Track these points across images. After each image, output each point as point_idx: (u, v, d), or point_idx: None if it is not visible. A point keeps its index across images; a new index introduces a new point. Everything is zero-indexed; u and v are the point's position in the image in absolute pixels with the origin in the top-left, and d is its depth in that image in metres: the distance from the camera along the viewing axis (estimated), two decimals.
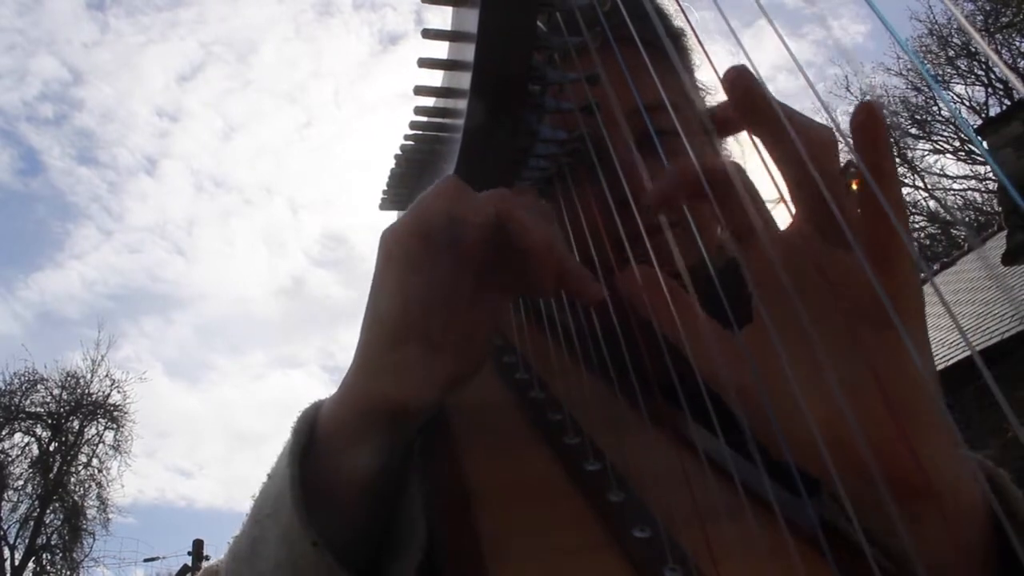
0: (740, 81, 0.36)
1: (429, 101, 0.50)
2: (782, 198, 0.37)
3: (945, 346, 7.82)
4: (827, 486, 0.40)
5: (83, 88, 30.68)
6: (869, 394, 0.36)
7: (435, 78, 0.49)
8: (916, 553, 0.32)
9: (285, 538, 0.41)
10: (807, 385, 0.36)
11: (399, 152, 0.60)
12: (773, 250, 0.38)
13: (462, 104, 0.44)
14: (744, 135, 0.39)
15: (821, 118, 0.38)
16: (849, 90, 19.07)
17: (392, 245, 0.42)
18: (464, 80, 0.43)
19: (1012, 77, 0.23)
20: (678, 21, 0.69)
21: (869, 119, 0.34)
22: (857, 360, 0.36)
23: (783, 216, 0.39)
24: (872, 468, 0.32)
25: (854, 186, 0.36)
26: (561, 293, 0.44)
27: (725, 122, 0.39)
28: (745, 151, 0.71)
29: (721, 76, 0.36)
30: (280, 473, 0.44)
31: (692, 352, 0.40)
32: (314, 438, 0.45)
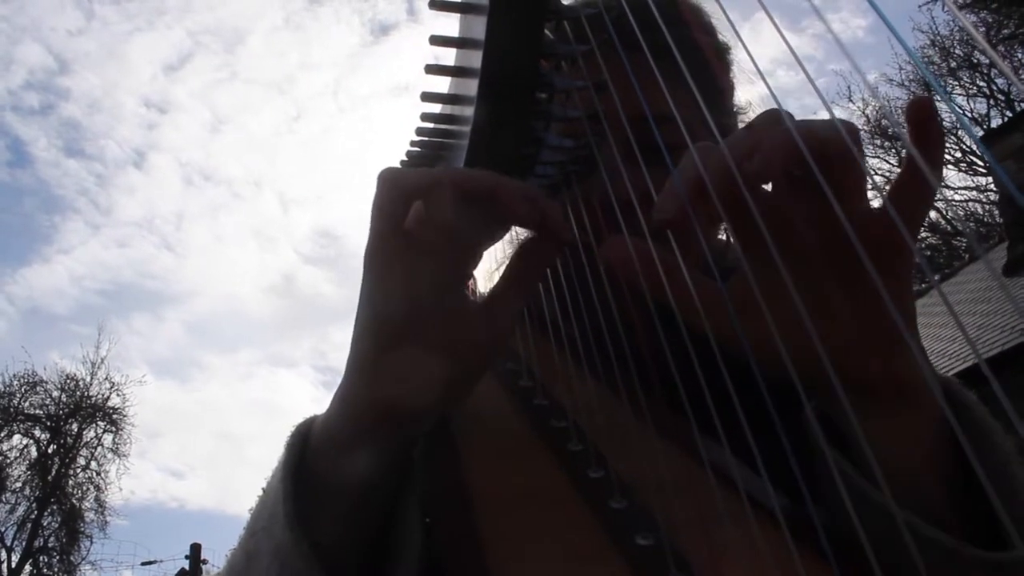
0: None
1: (435, 107, 0.50)
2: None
3: (946, 357, 7.80)
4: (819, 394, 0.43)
5: (69, 77, 30.49)
6: (847, 319, 0.40)
7: (441, 84, 0.49)
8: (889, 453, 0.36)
9: (277, 554, 0.41)
10: (788, 318, 0.36)
11: (405, 158, 0.60)
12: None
13: (468, 111, 0.44)
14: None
15: (821, 114, 0.37)
16: (851, 100, 19.13)
17: (366, 254, 0.42)
18: (471, 87, 0.43)
19: (1018, 83, 0.23)
20: (723, 36, 0.69)
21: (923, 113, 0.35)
22: (837, 292, 0.40)
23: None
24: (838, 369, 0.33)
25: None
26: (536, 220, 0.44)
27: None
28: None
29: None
30: (274, 488, 0.44)
31: (678, 304, 0.41)
32: (308, 450, 0.45)
